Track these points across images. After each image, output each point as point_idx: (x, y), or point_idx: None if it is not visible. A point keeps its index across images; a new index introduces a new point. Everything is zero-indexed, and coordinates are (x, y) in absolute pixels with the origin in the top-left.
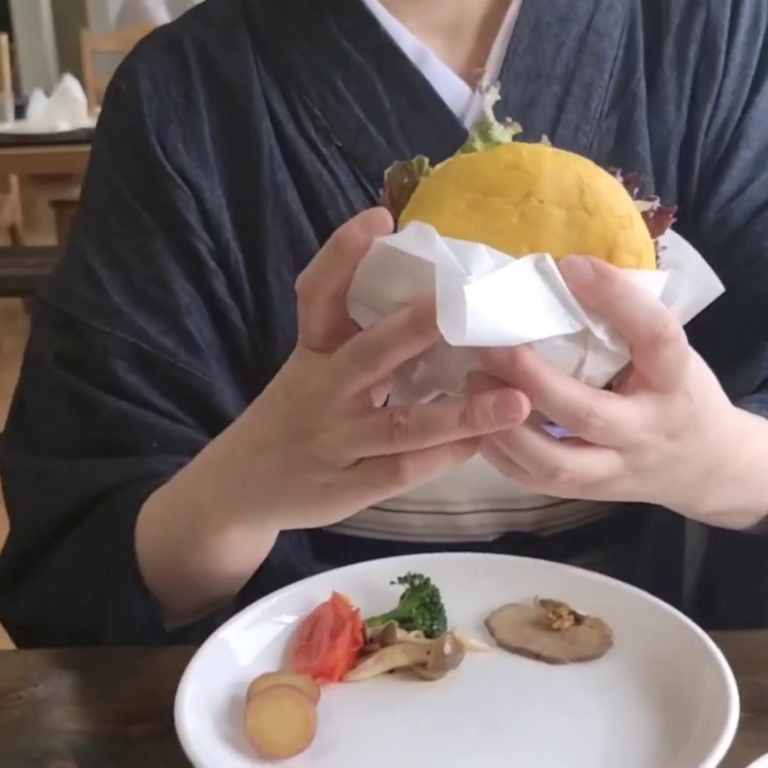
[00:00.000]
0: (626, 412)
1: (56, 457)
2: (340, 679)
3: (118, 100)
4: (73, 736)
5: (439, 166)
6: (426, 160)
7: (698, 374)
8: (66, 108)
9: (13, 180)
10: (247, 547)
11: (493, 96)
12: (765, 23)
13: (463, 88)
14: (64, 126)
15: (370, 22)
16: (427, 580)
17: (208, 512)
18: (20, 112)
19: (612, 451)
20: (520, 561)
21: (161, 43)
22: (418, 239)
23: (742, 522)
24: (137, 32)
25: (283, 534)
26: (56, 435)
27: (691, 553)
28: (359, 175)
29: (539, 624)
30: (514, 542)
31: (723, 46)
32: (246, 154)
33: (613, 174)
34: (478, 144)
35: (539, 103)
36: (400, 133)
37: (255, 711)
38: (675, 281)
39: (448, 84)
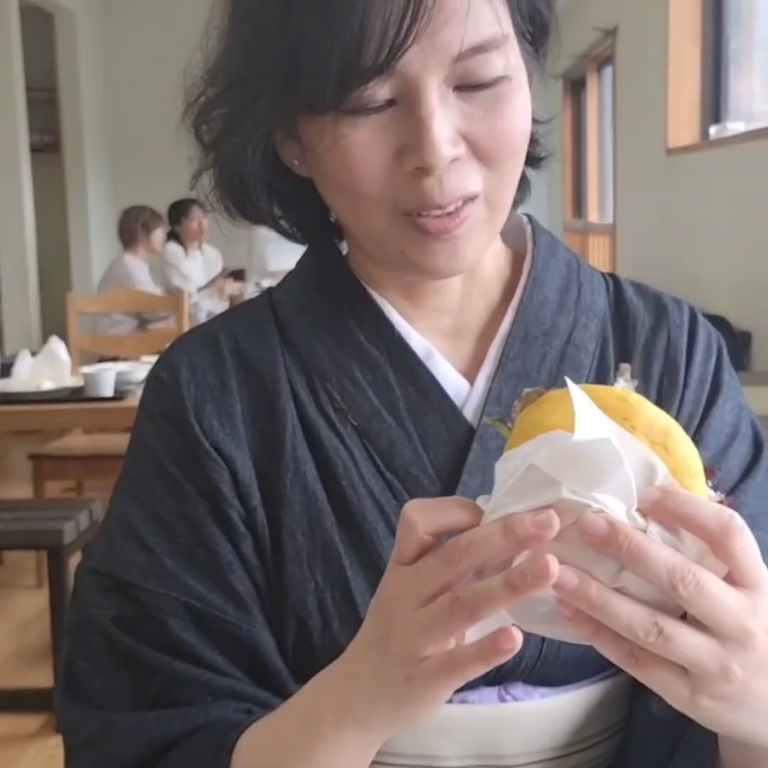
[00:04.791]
0: (722, 586)
1: (115, 711)
2: None
3: (160, 387)
4: None
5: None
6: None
7: None
8: (51, 368)
9: None
10: (352, 757)
11: (627, 382)
12: (715, 348)
13: (463, 383)
14: (47, 385)
15: (387, 324)
16: None
17: (323, 718)
18: (5, 370)
19: (713, 637)
20: None
21: (198, 338)
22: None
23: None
24: (120, 295)
25: None
26: (111, 693)
27: None
28: (371, 451)
29: None
30: None
31: (682, 363)
32: (272, 430)
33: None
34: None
35: None
36: (408, 416)
37: None
38: None
39: (450, 378)
